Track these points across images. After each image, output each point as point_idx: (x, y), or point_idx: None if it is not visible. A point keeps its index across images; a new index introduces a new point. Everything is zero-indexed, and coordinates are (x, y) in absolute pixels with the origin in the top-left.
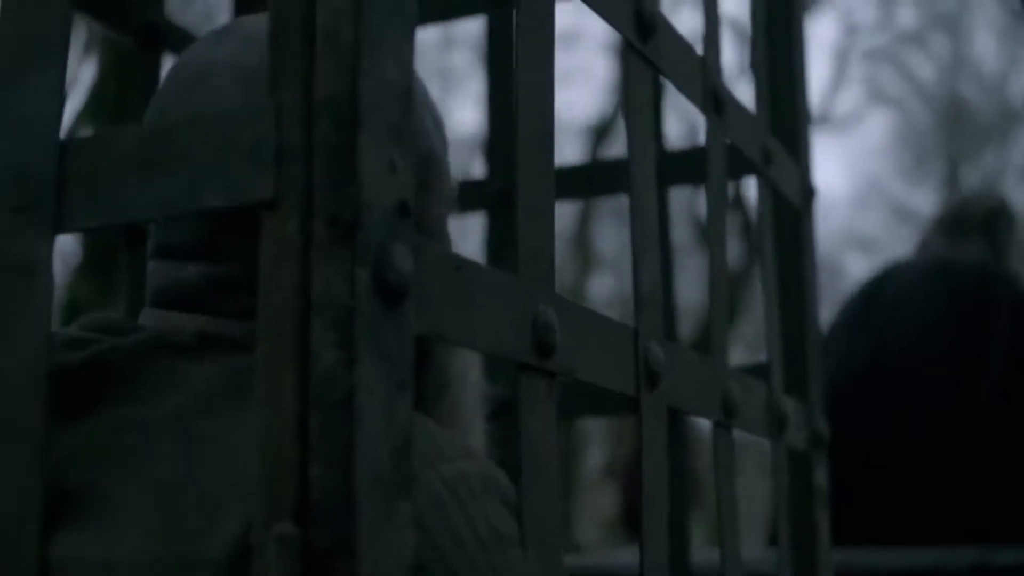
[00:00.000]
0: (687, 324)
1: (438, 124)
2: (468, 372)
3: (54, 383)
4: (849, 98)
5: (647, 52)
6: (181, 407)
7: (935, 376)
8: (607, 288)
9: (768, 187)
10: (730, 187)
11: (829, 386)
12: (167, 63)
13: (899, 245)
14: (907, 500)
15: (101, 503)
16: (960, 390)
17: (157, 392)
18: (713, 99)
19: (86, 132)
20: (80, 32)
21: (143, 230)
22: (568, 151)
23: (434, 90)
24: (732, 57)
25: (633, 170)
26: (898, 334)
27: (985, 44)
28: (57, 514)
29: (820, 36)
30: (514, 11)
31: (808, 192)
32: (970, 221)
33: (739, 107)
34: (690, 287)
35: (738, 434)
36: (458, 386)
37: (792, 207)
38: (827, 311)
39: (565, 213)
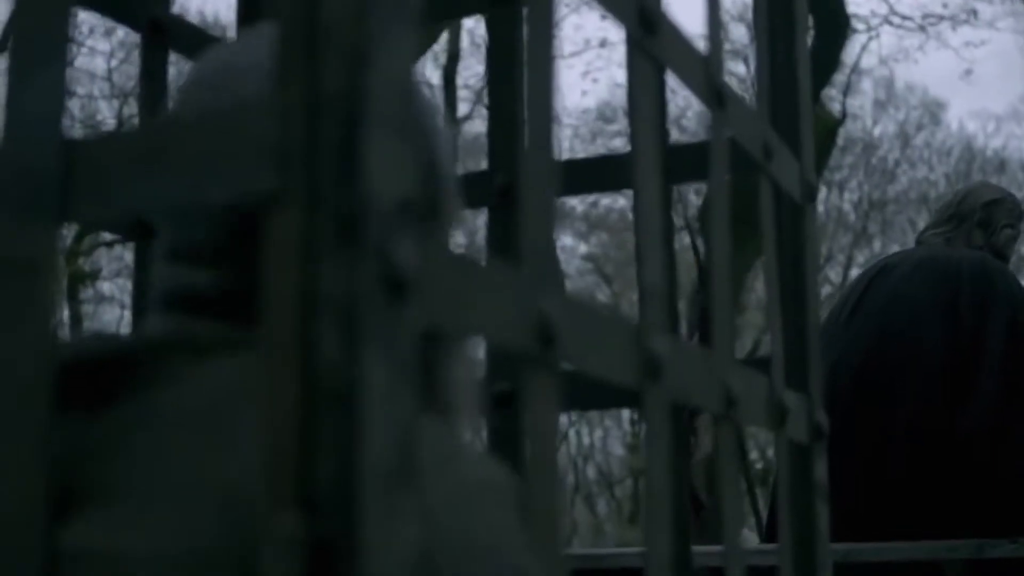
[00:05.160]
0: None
1: (440, 135)
2: (466, 372)
3: (72, 376)
4: None
5: (651, 47)
6: (200, 403)
7: (928, 384)
8: None
9: (769, 182)
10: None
11: (824, 388)
12: (172, 58)
13: None
14: (899, 506)
15: (118, 496)
16: (954, 397)
17: (177, 389)
18: (716, 94)
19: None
20: None
21: (149, 226)
22: None
23: None
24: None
25: (636, 165)
26: (891, 337)
27: None
28: (73, 506)
29: None
30: (523, 8)
31: (808, 188)
32: (969, 213)
33: (740, 102)
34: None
35: None
36: (457, 386)
37: (793, 203)
38: None
39: None
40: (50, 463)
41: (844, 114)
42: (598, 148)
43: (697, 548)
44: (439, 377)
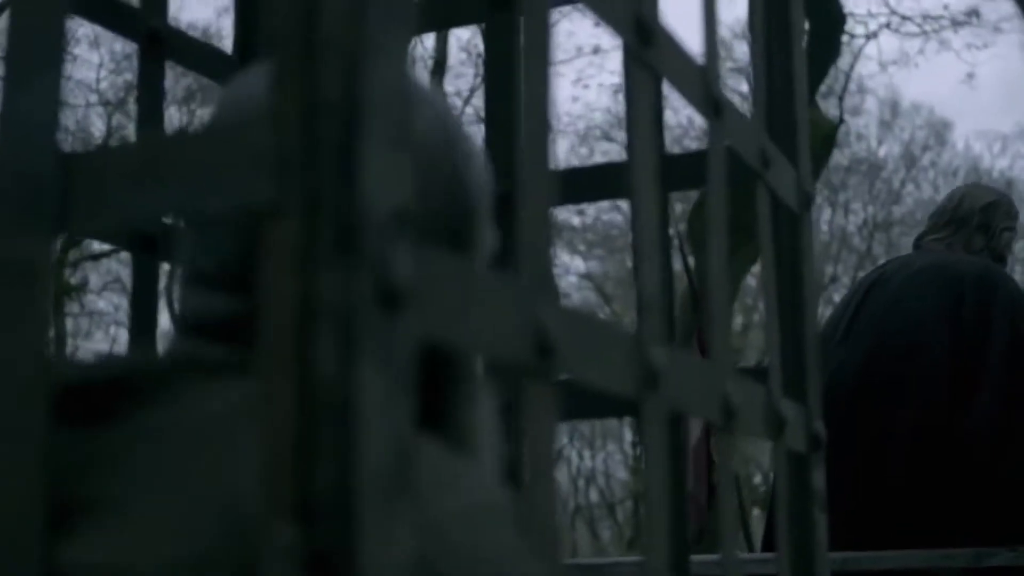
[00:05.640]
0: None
1: (472, 158)
2: (481, 394)
3: (79, 394)
4: None
5: (648, 57)
6: (204, 421)
7: (930, 389)
8: None
9: (767, 191)
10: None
11: (823, 393)
12: (170, 69)
13: None
14: (898, 511)
15: (117, 510)
16: (956, 403)
17: (178, 407)
18: (713, 103)
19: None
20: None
21: (150, 238)
22: None
23: None
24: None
25: (634, 174)
26: (892, 343)
27: None
28: (71, 520)
29: None
30: (519, 16)
31: (805, 196)
32: (967, 217)
33: (738, 112)
34: None
35: None
36: (471, 408)
37: (790, 212)
38: None
39: None
40: (50, 472)
41: (842, 119)
42: (585, 154)
43: (696, 557)
44: (451, 399)
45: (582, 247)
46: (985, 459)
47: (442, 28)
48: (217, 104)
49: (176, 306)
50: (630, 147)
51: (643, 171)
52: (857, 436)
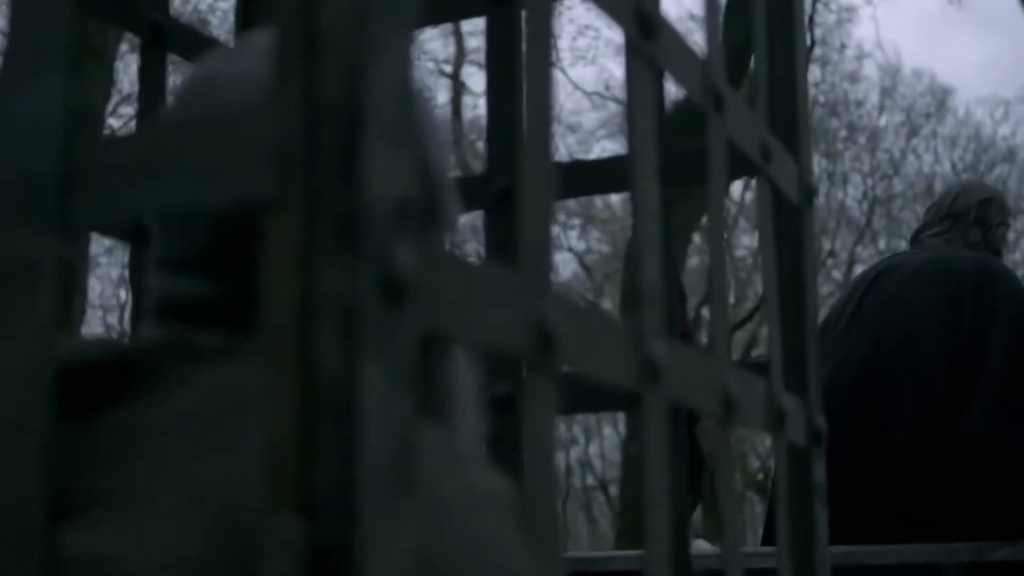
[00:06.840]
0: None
1: (436, 137)
2: (465, 374)
3: (71, 381)
4: None
5: (649, 50)
6: (199, 410)
7: (929, 384)
8: None
9: (768, 185)
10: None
11: (824, 390)
12: (172, 63)
13: None
14: (898, 510)
15: (119, 502)
16: (955, 400)
17: (176, 395)
18: (714, 96)
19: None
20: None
21: (146, 230)
22: None
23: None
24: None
25: (635, 168)
26: (893, 339)
27: None
28: (72, 512)
29: None
30: (521, 11)
31: (807, 190)
32: (964, 212)
33: (740, 105)
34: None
35: None
36: (457, 388)
37: (792, 205)
38: None
39: None
40: (51, 469)
41: (813, 42)
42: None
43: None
44: (437, 380)
45: (562, 217)
46: (985, 457)
47: (444, 22)
48: (184, 90)
49: (150, 291)
50: (631, 140)
51: (644, 164)
52: (858, 432)
